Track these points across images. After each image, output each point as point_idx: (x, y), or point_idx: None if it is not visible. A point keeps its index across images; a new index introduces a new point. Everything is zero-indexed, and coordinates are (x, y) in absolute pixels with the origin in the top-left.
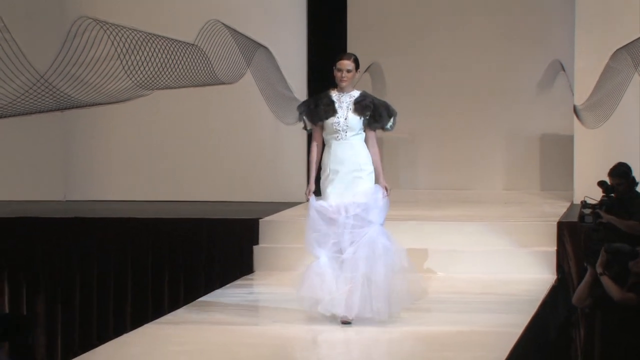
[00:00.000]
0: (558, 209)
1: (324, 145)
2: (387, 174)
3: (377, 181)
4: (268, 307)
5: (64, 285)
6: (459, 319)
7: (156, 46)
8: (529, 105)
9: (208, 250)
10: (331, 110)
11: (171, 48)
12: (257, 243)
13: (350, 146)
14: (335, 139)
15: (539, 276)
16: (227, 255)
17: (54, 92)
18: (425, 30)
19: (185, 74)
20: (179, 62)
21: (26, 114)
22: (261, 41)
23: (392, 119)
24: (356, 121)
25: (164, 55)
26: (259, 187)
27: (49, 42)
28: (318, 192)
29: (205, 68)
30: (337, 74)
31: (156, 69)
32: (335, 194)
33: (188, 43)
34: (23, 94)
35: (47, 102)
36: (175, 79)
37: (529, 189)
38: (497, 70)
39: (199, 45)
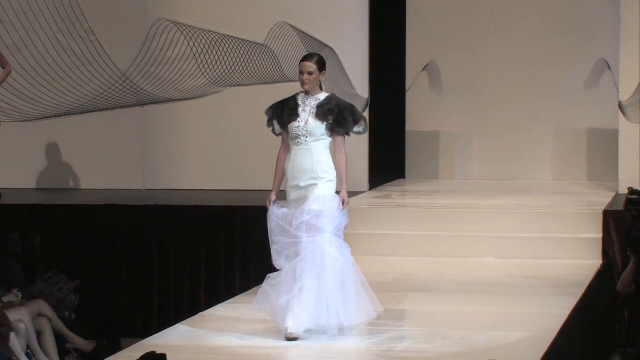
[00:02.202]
0: (604, 199)
1: None
2: (444, 165)
3: (339, 188)
4: None
5: (143, 267)
6: (509, 301)
7: (229, 46)
8: (577, 101)
9: None
10: (294, 115)
11: (243, 48)
12: None
13: (309, 153)
14: (297, 145)
15: (586, 261)
16: None
17: (135, 89)
18: (479, 30)
19: (256, 72)
20: (249, 61)
21: (109, 109)
22: (326, 42)
23: (360, 124)
24: (317, 126)
25: (236, 55)
26: None
27: (130, 43)
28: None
29: (274, 67)
30: (300, 77)
31: (229, 67)
32: (294, 201)
33: (258, 43)
34: (106, 91)
35: (128, 98)
36: (246, 77)
37: (576, 180)
38: (547, 68)
39: (268, 45)
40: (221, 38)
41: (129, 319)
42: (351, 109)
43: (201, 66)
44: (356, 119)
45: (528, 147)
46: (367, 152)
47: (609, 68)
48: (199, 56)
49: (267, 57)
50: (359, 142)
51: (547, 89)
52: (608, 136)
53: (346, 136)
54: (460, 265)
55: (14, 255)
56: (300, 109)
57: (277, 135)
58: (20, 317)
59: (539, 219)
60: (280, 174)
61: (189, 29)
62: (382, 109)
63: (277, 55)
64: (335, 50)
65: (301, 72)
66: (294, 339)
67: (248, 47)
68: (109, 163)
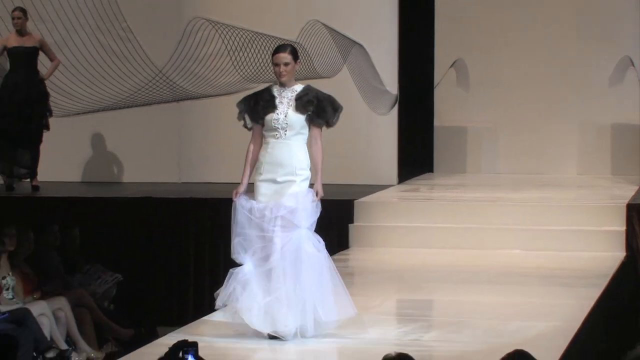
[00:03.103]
0: (627, 192)
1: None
2: (471, 159)
3: (313, 180)
4: (362, 279)
5: (179, 258)
6: (535, 291)
7: (262, 44)
8: (601, 97)
9: None
10: (271, 107)
11: (275, 45)
12: (352, 222)
13: (287, 147)
14: (274, 137)
15: (609, 253)
16: (325, 233)
17: (171, 85)
18: (506, 29)
19: None
20: None
21: (146, 104)
22: (356, 39)
23: (337, 114)
24: (297, 119)
25: (268, 52)
26: (354, 171)
27: (166, 41)
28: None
29: (306, 63)
30: (275, 69)
31: (261, 64)
32: (266, 195)
33: (291, 41)
34: (144, 87)
35: (165, 94)
36: None
37: (600, 174)
38: (572, 65)
39: (300, 42)
40: (254, 36)
41: (165, 309)
42: (330, 99)
43: (235, 63)
44: (335, 107)
45: (553, 142)
46: (396, 147)
47: (633, 65)
48: (233, 53)
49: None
50: (387, 136)
51: (572, 85)
52: (631, 131)
53: (324, 127)
54: (487, 257)
55: (53, 247)
56: (277, 101)
57: (249, 129)
58: (61, 306)
59: (564, 212)
60: (250, 167)
61: (223, 27)
62: (411, 105)
63: (309, 52)
64: (365, 47)
65: (276, 64)
66: (275, 338)
67: (280, 44)
68: (146, 157)
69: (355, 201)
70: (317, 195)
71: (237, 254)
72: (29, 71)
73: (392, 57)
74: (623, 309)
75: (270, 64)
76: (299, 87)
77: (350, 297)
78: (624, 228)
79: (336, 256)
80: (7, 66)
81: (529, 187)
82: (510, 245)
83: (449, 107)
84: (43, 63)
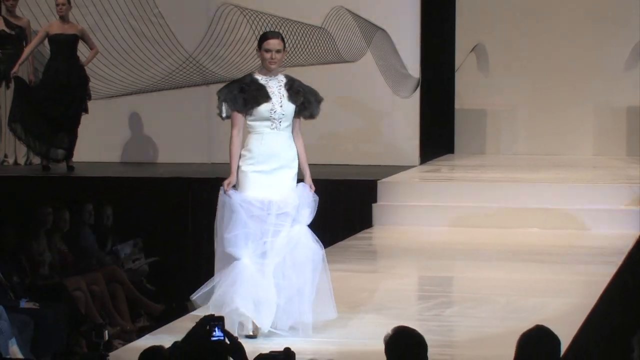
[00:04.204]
0: None
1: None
2: (490, 141)
3: (302, 175)
4: (385, 257)
5: (208, 236)
6: (552, 269)
7: (289, 29)
8: (616, 81)
9: (333, 207)
10: (264, 96)
11: (302, 31)
12: (375, 201)
13: (282, 138)
14: (269, 128)
15: (624, 231)
16: (349, 212)
17: (201, 69)
18: (525, 14)
19: (314, 53)
20: (308, 43)
21: (177, 87)
22: (380, 24)
23: (319, 106)
24: (291, 109)
25: (295, 37)
26: (377, 152)
27: (196, 26)
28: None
29: (331, 48)
30: (266, 55)
31: (288, 49)
32: (261, 187)
33: (316, 26)
34: (174, 71)
35: (195, 78)
36: (305, 57)
37: (616, 155)
38: (588, 50)
39: (325, 28)
40: (281, 21)
41: (195, 285)
42: (313, 90)
43: None
44: (318, 99)
45: (570, 124)
46: (418, 129)
47: None
48: None
49: (324, 39)
50: (409, 119)
51: (588, 69)
52: None
53: (304, 119)
54: (505, 235)
55: (88, 224)
56: (269, 91)
57: (223, 118)
58: (95, 281)
59: (580, 191)
60: (237, 157)
61: (251, 12)
62: (432, 88)
63: (334, 37)
64: (388, 32)
65: (267, 51)
66: (254, 337)
67: (306, 29)
68: (176, 138)
69: (379, 181)
70: (311, 189)
71: (235, 247)
72: (70, 58)
73: (414, 42)
74: (638, 285)
75: (296, 49)
76: (282, 77)
77: (334, 300)
78: (638, 207)
79: (360, 234)
80: (48, 53)
81: (546, 167)
82: (528, 223)
83: (469, 90)
84: (81, 51)
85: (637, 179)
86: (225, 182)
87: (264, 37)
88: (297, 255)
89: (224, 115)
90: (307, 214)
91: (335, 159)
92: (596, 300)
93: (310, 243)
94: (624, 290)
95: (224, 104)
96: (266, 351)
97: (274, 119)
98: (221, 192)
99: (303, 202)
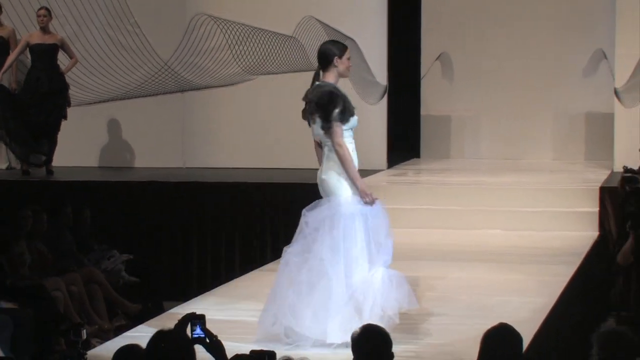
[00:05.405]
0: (600, 176)
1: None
2: (455, 145)
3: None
4: None
5: (183, 238)
6: (515, 269)
7: (260, 38)
8: (576, 88)
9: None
10: (353, 107)
11: (273, 40)
12: None
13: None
14: (352, 137)
15: (583, 233)
16: None
17: (176, 77)
18: (487, 24)
19: (285, 61)
20: (279, 51)
21: (153, 94)
22: (349, 34)
23: None
24: None
25: (267, 46)
26: None
27: (171, 35)
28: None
29: (301, 56)
30: (349, 64)
31: (260, 57)
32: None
33: (287, 35)
34: (150, 79)
35: (170, 85)
36: (276, 65)
37: (574, 159)
38: (548, 58)
39: (296, 37)
40: (253, 30)
41: (170, 285)
42: None
43: (235, 56)
44: None
45: (531, 130)
46: (385, 134)
47: (605, 57)
48: (234, 47)
49: (295, 47)
50: (377, 124)
51: (548, 76)
52: (604, 119)
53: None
54: (469, 236)
55: (66, 226)
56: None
57: (327, 127)
58: (74, 282)
59: (540, 194)
60: None
61: (224, 22)
62: (399, 95)
63: (304, 46)
64: (357, 41)
65: (349, 58)
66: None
67: (278, 38)
68: (152, 144)
69: None
70: None
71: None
72: (50, 67)
73: (382, 51)
74: (596, 284)
75: (268, 57)
76: None
77: None
78: (596, 209)
79: None
80: (28, 62)
81: (508, 171)
82: (491, 225)
83: (434, 97)
84: (61, 60)
85: (595, 182)
86: (370, 192)
87: (345, 47)
88: None
89: (336, 121)
90: None
91: (305, 164)
92: (556, 300)
93: None
94: (583, 289)
95: (338, 111)
96: None
97: (354, 128)
98: (361, 201)
99: None
